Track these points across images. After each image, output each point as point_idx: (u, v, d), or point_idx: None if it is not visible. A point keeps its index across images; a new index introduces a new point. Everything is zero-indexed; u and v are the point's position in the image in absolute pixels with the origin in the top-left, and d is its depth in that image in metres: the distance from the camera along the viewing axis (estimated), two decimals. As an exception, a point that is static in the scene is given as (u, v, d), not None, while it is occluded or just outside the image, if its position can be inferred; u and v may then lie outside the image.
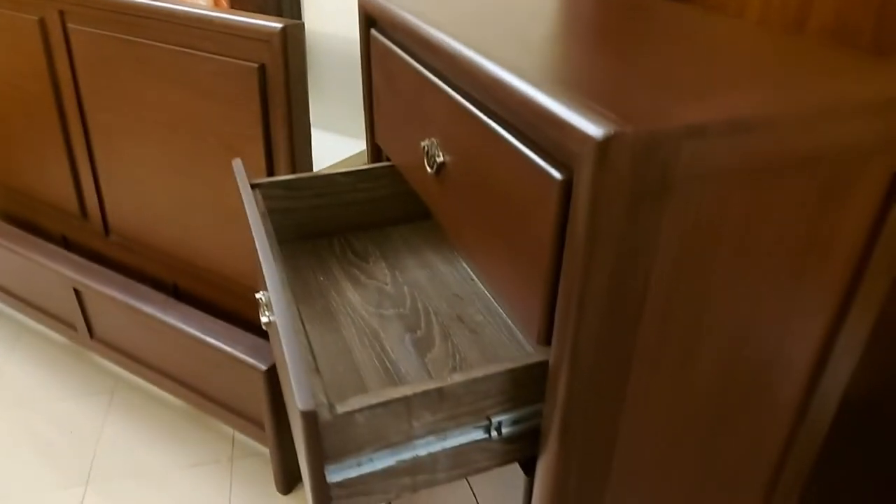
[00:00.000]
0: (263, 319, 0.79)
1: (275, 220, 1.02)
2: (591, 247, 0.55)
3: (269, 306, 0.77)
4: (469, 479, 0.91)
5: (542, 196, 0.57)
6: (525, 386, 0.65)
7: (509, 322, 0.90)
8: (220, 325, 1.58)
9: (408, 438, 0.62)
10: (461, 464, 0.66)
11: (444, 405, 0.62)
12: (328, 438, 0.58)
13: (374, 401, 0.59)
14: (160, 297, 1.68)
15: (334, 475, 0.60)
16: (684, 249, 0.59)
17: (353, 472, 0.60)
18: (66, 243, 2.02)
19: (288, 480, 1.66)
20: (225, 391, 1.65)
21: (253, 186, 0.99)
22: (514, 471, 0.72)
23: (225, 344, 1.52)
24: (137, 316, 1.67)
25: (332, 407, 0.58)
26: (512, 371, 0.64)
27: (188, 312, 1.62)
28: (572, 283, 0.56)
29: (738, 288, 0.64)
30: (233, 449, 1.79)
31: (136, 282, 1.73)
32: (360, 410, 0.58)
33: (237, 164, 0.99)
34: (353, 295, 0.95)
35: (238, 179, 0.96)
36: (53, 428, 1.84)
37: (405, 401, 0.60)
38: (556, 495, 0.68)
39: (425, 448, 0.63)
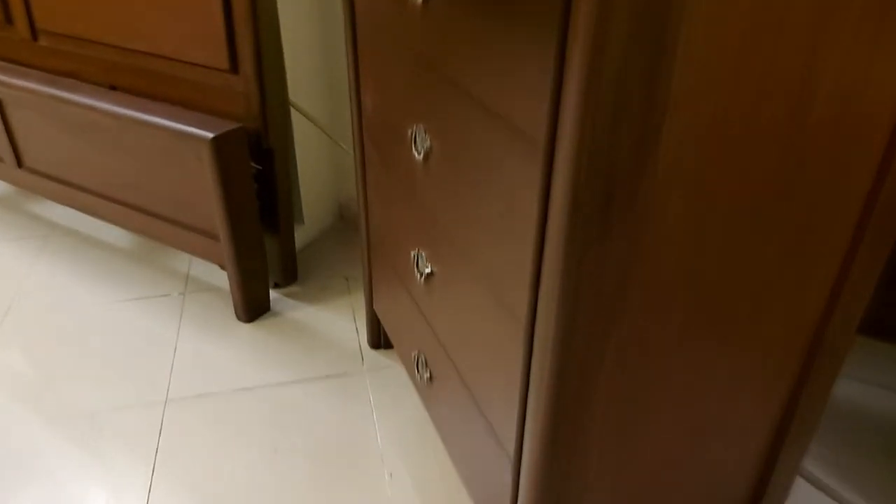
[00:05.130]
0: None
1: None
2: None
3: None
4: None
5: None
6: None
7: None
8: (160, 105, 1.29)
9: None
10: None
11: None
12: None
13: None
14: (90, 87, 1.39)
15: None
16: None
17: None
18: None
19: (250, 307, 1.38)
20: (172, 199, 1.36)
21: None
22: None
23: (165, 119, 1.23)
24: (68, 111, 1.38)
25: None
26: None
27: (123, 98, 1.33)
28: None
29: None
30: (186, 285, 1.51)
31: (66, 82, 1.44)
32: None
33: None
34: None
35: None
36: (-27, 269, 1.55)
37: None
38: None
39: None
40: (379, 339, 1.31)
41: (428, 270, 0.86)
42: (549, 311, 0.55)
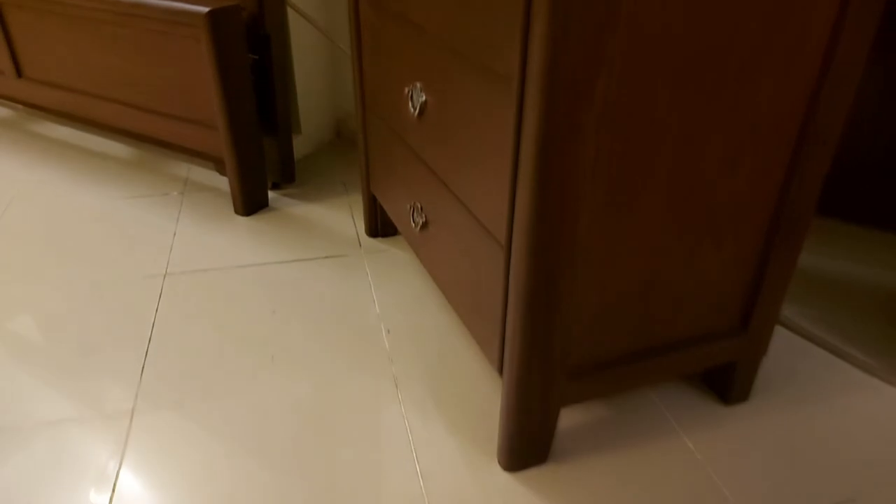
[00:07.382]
0: None
1: None
2: None
3: None
4: None
5: None
6: None
7: None
8: (158, -8, 1.30)
9: None
10: None
11: None
12: None
13: None
14: (88, -18, 1.39)
15: None
16: None
17: None
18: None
19: (248, 200, 1.38)
20: (169, 92, 1.37)
21: None
22: None
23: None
24: (65, 3, 1.38)
25: None
26: None
27: (120, -10, 1.34)
28: None
29: None
30: (185, 186, 1.51)
31: None
32: None
33: None
34: None
35: None
36: (-26, 177, 1.56)
37: None
38: None
39: None
40: (376, 228, 1.31)
41: (423, 99, 0.86)
42: (538, 56, 0.55)
